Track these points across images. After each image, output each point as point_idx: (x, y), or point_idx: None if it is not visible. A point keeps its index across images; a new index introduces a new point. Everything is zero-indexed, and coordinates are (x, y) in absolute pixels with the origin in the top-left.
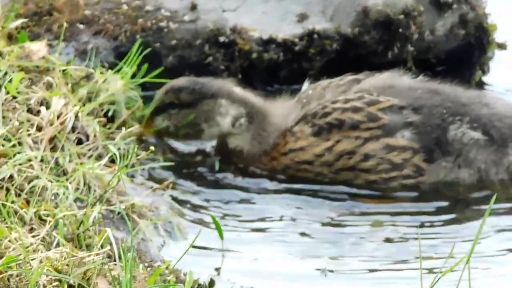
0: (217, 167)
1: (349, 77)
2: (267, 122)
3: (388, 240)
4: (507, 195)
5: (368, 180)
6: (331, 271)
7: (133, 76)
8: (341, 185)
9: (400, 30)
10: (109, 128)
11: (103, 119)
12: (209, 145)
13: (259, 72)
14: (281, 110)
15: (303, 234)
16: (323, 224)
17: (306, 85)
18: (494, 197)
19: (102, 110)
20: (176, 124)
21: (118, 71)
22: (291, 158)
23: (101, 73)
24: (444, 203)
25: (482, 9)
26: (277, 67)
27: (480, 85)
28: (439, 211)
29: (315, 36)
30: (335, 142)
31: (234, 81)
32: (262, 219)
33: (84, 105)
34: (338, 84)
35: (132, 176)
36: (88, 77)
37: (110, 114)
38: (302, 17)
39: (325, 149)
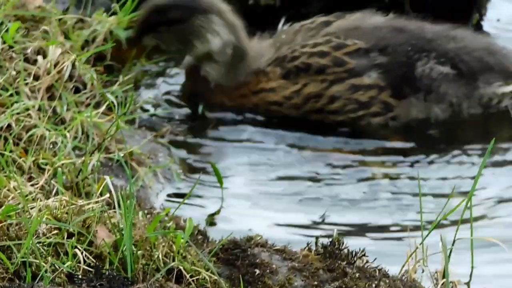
0: (200, 110)
1: (319, 19)
2: (244, 59)
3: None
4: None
5: (336, 121)
6: (328, 216)
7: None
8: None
9: None
10: (107, 76)
11: (100, 68)
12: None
13: (256, 18)
14: (256, 50)
15: (300, 177)
16: (317, 179)
17: (280, 26)
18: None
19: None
20: (167, 41)
21: (113, 15)
22: (262, 98)
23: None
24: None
25: None
26: (274, 13)
27: (478, 27)
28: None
29: None
30: (302, 85)
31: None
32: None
33: (82, 49)
34: (309, 27)
35: (131, 124)
36: (82, 21)
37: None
38: None
39: (293, 92)
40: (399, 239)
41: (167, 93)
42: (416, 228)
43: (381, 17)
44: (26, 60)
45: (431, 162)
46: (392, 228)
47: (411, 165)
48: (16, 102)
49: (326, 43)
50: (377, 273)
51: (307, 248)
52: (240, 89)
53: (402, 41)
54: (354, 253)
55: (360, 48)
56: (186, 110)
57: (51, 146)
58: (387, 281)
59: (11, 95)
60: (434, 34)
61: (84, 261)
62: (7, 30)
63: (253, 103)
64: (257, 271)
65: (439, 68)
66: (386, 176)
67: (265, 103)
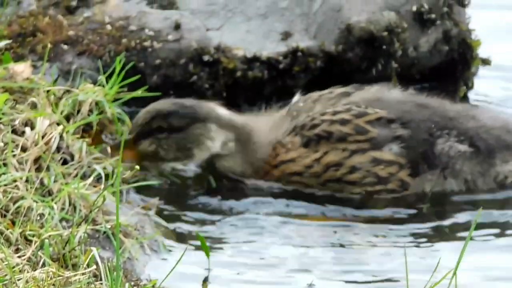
0: (213, 184)
1: (339, 90)
2: (254, 140)
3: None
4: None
5: (353, 192)
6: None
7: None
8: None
9: (384, 46)
10: (94, 147)
11: (88, 139)
12: (194, 166)
13: (244, 90)
14: (269, 124)
15: (294, 248)
16: (324, 244)
17: (296, 97)
18: (480, 210)
19: (88, 126)
20: (165, 148)
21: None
22: (282, 170)
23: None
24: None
25: (466, 25)
26: (261, 85)
27: (465, 100)
28: (423, 220)
29: (299, 53)
30: (323, 153)
31: (219, 103)
32: (251, 240)
33: (68, 121)
34: (329, 97)
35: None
36: (69, 92)
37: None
38: (286, 35)
39: (314, 160)
40: None
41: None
42: None
43: (401, 92)
44: (14, 131)
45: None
46: None
47: None
48: (4, 173)
49: (347, 111)
50: None
51: None
52: (262, 168)
53: (425, 117)
54: None
55: (382, 117)
56: (186, 177)
57: (38, 218)
58: None
59: None
60: (456, 112)
61: None
62: None
63: (276, 177)
64: None
65: (458, 146)
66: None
67: (286, 175)
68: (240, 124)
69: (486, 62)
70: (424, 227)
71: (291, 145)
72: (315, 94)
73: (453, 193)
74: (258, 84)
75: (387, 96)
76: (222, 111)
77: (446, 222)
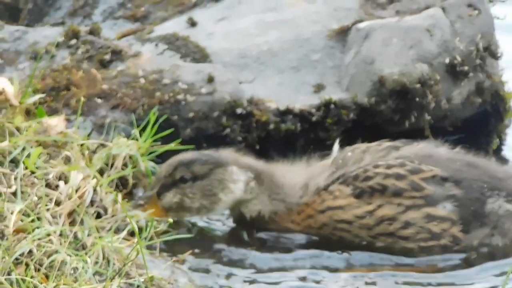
0: (245, 237)
1: (387, 143)
2: (279, 180)
3: None
4: None
5: (406, 247)
6: None
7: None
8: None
9: (417, 99)
10: (128, 201)
11: (122, 192)
12: (224, 218)
13: (276, 142)
14: (308, 169)
15: None
16: None
17: (336, 147)
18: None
19: (121, 179)
20: (190, 196)
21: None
22: (330, 216)
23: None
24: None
25: (499, 77)
26: (294, 137)
27: (498, 152)
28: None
29: (332, 106)
30: (377, 206)
31: (237, 149)
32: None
33: (102, 174)
34: (377, 149)
35: (151, 249)
36: (103, 146)
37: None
38: (318, 88)
39: (366, 212)
40: None
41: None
42: None
43: (447, 149)
44: (48, 185)
45: None
46: None
47: None
48: (38, 227)
49: (401, 166)
50: None
51: None
52: (303, 210)
53: (477, 177)
54: None
55: (436, 175)
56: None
57: (72, 272)
58: None
59: (33, 220)
60: (504, 173)
61: None
62: (28, 156)
63: (321, 222)
64: None
65: (506, 206)
66: None
67: (334, 221)
68: (259, 165)
69: None
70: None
71: (339, 193)
72: (363, 145)
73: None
74: (290, 136)
75: (437, 153)
76: (241, 155)
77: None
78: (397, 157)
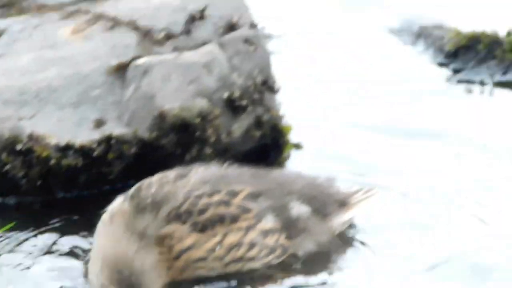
0: None
1: (172, 174)
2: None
3: None
4: None
5: (252, 268)
6: None
7: None
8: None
9: (197, 133)
10: None
11: None
12: None
13: (58, 178)
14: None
15: None
16: None
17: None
18: None
19: None
20: None
21: None
22: (185, 259)
23: None
24: None
25: (277, 110)
26: (76, 172)
27: None
28: None
29: (113, 141)
30: (222, 236)
31: None
32: None
33: None
34: (167, 181)
35: None
36: None
37: None
38: (99, 123)
39: (216, 243)
40: None
41: None
42: None
43: (224, 167)
44: None
45: None
46: None
47: None
48: None
49: (217, 192)
50: None
51: None
52: (162, 266)
53: (273, 186)
54: None
55: (249, 193)
56: None
57: None
58: None
59: None
60: (288, 176)
61: None
62: None
63: (180, 268)
64: None
65: (302, 208)
66: None
67: (191, 263)
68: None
69: (298, 146)
70: None
71: (181, 232)
72: (154, 179)
73: None
74: (73, 171)
75: (225, 172)
76: None
77: None
78: (199, 184)
